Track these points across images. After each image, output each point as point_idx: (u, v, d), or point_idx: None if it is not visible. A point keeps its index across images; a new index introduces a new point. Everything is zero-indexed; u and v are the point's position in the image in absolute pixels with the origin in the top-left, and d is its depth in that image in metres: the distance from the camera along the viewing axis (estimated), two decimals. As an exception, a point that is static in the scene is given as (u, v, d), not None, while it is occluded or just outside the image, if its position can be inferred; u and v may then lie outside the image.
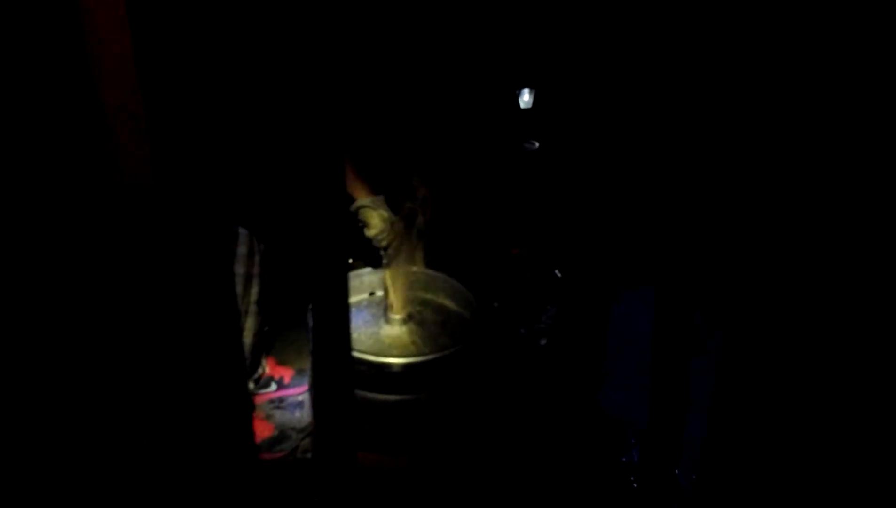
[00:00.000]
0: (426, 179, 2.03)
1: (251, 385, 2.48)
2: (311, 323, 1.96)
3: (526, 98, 2.89)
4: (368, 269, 2.21)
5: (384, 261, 2.16)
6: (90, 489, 1.13)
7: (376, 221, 2.14)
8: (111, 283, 0.99)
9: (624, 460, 2.19)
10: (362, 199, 2.19)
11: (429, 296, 2.17)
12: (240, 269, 2.27)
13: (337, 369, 1.08)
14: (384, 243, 2.15)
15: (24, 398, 1.03)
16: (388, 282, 2.04)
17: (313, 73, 0.95)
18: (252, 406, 1.24)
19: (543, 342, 2.41)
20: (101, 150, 0.87)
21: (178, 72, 0.86)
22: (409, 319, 2.06)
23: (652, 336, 1.96)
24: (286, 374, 2.61)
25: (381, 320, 2.07)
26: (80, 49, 0.81)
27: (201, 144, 0.93)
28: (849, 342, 1.35)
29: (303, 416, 2.46)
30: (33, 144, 0.89)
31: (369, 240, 2.19)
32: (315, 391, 1.16)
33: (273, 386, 2.56)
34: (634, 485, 2.11)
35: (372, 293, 2.15)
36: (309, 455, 2.29)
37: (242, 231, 2.28)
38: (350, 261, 2.16)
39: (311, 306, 1.99)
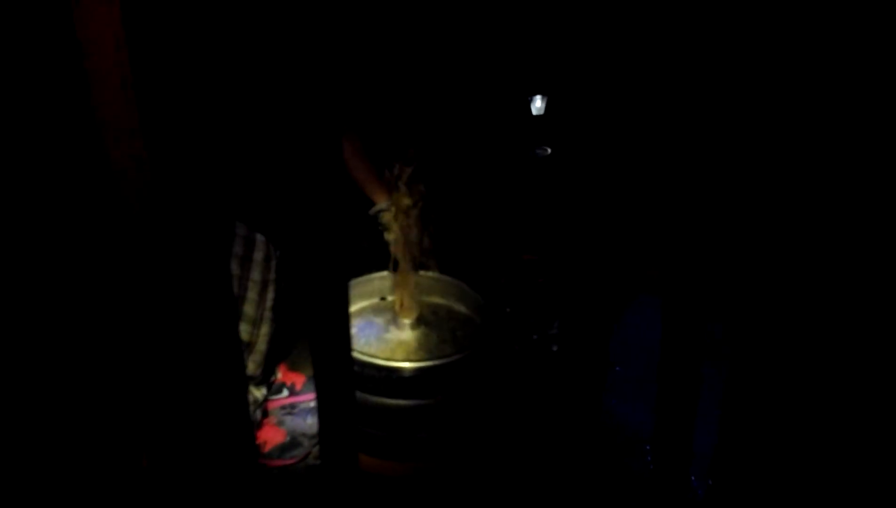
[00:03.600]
0: (425, 177, 2.03)
1: (264, 391, 2.49)
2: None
3: (538, 105, 2.89)
4: (380, 273, 2.21)
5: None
6: (90, 493, 1.13)
7: (395, 226, 2.14)
8: (109, 288, 0.99)
9: (636, 469, 2.17)
10: (382, 203, 2.19)
11: (440, 301, 2.17)
12: (256, 275, 2.28)
13: (337, 373, 1.07)
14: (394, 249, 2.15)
15: (24, 402, 1.03)
16: (398, 286, 2.04)
17: (325, 79, 0.96)
18: (248, 411, 1.23)
19: (555, 348, 2.39)
20: (98, 162, 0.87)
21: (176, 83, 0.86)
22: (419, 323, 2.06)
23: (661, 342, 1.94)
24: (298, 380, 2.61)
25: (392, 324, 2.06)
26: (78, 64, 0.81)
27: (199, 151, 0.93)
28: (856, 344, 1.33)
29: (314, 422, 2.46)
30: (33, 153, 0.90)
31: (387, 244, 2.19)
32: (318, 395, 1.16)
33: (285, 392, 2.56)
34: (649, 494, 2.08)
35: (383, 298, 2.15)
36: (320, 461, 2.29)
37: (260, 237, 2.29)
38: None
39: (306, 309, 1.99)
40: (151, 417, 1.10)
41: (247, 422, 1.17)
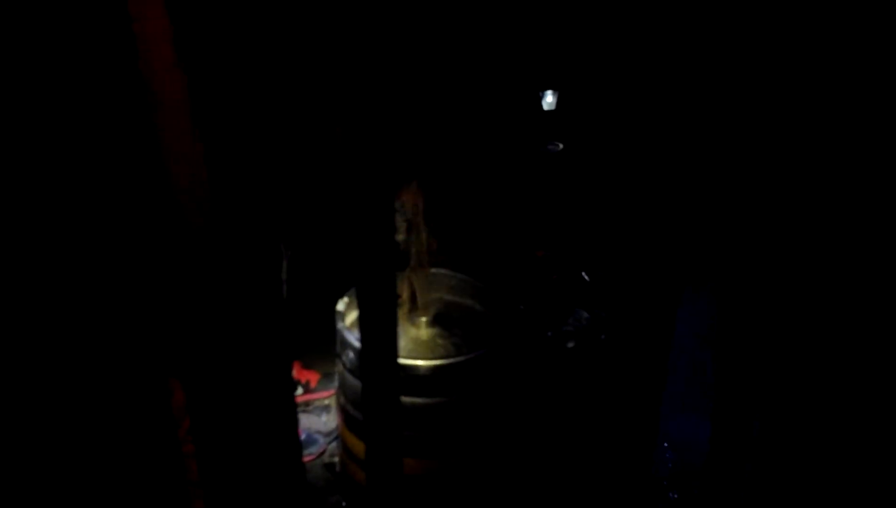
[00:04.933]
0: (423, 186, 2.02)
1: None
2: (339, 327, 1.97)
3: (549, 100, 2.88)
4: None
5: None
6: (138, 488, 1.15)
7: (403, 225, 2.14)
8: (170, 303, 1.02)
9: (655, 468, 2.16)
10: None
11: (454, 298, 2.16)
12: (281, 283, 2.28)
13: (383, 376, 1.08)
14: (404, 247, 2.15)
15: (82, 402, 1.05)
16: (411, 284, 2.04)
17: (348, 77, 0.96)
18: (297, 417, 1.25)
19: (570, 344, 2.38)
20: (163, 192, 0.91)
21: (231, 111, 0.89)
22: (433, 321, 2.06)
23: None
24: (312, 378, 2.62)
25: (406, 321, 2.06)
26: (148, 116, 0.85)
27: (254, 170, 0.96)
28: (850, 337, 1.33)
29: (329, 420, 2.47)
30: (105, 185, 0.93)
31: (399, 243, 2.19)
32: (364, 398, 1.17)
33: (300, 390, 2.57)
34: (672, 496, 2.07)
35: (398, 296, 2.15)
36: (336, 459, 2.29)
37: None
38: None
39: (340, 311, 2.00)
40: (204, 419, 1.11)
41: (294, 424, 1.19)
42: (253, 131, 0.93)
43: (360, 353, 1.15)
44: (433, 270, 2.06)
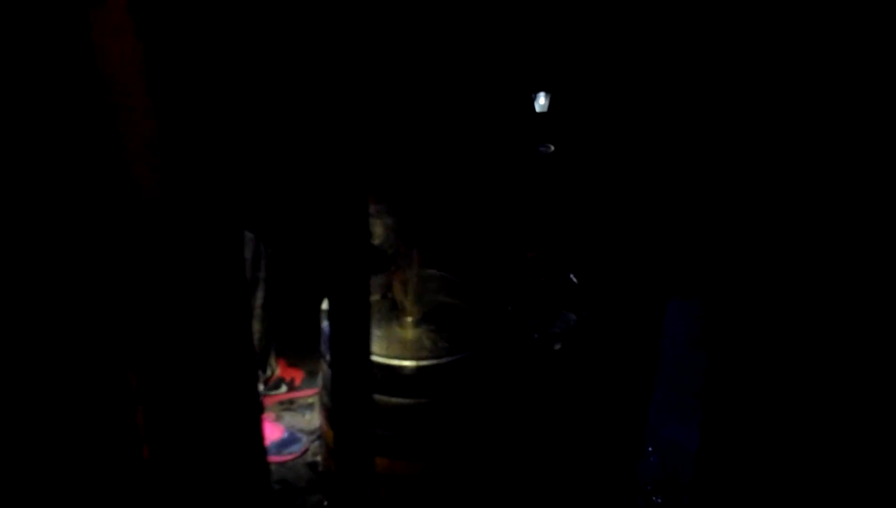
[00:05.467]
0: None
1: (260, 388, 2.47)
2: (323, 325, 1.95)
3: (541, 101, 2.87)
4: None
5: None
6: (95, 490, 1.12)
7: (379, 229, 2.12)
8: (122, 287, 0.98)
9: (641, 471, 2.16)
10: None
11: (442, 298, 2.15)
12: (245, 273, 2.27)
13: (355, 374, 1.06)
14: (390, 252, 2.13)
15: (32, 401, 1.02)
16: (399, 284, 2.02)
17: (330, 74, 0.94)
18: (261, 412, 1.23)
19: (557, 346, 2.38)
20: (117, 172, 0.88)
21: (189, 84, 0.86)
22: (421, 321, 2.04)
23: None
24: (297, 376, 2.60)
25: (394, 321, 2.05)
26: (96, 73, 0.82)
27: (212, 155, 0.92)
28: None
29: (313, 418, 2.44)
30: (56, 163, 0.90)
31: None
32: (334, 397, 1.14)
33: (283, 388, 2.55)
34: (656, 500, 2.07)
35: (384, 296, 2.13)
36: (318, 458, 2.27)
37: (248, 235, 2.27)
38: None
39: (325, 310, 1.98)
40: (159, 414, 1.08)
41: (258, 419, 1.16)
42: (212, 105, 0.90)
43: (331, 352, 1.13)
44: (422, 271, 2.05)
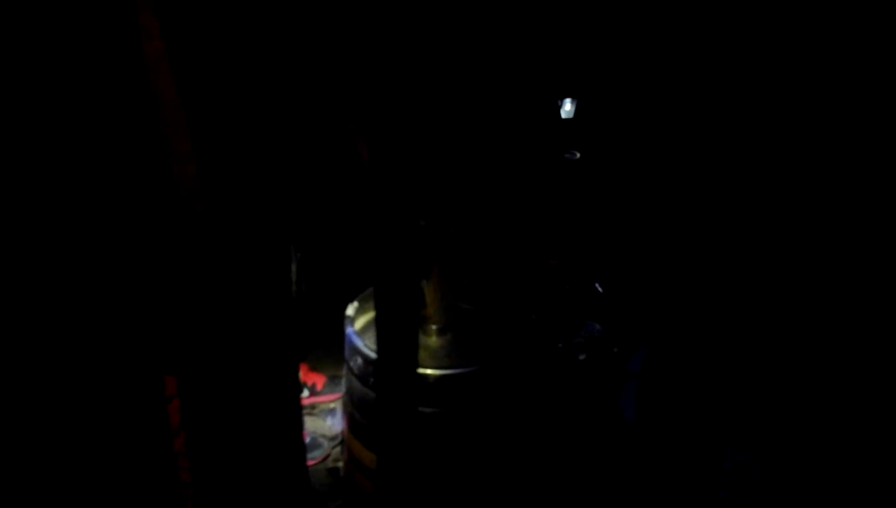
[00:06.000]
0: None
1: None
2: (347, 331, 1.94)
3: (567, 108, 2.85)
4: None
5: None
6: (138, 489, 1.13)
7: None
8: (167, 291, 0.99)
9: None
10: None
11: (466, 306, 2.13)
12: (290, 279, 2.27)
13: (401, 388, 1.05)
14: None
15: (88, 394, 1.03)
16: (427, 292, 2.00)
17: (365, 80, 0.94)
18: (301, 417, 1.23)
19: (582, 356, 2.35)
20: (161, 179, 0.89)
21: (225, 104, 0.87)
22: (445, 330, 2.02)
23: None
24: (318, 380, 2.60)
25: (419, 330, 2.03)
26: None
27: (250, 163, 0.93)
28: None
29: (334, 423, 2.44)
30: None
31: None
32: (379, 415, 1.14)
33: (305, 392, 2.55)
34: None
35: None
36: (339, 464, 2.27)
37: None
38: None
39: (349, 315, 1.97)
40: (197, 418, 1.09)
41: (299, 425, 1.16)
42: (245, 116, 0.90)
43: (375, 364, 1.12)
44: (446, 278, 2.03)
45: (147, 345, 1.04)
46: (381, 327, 1.07)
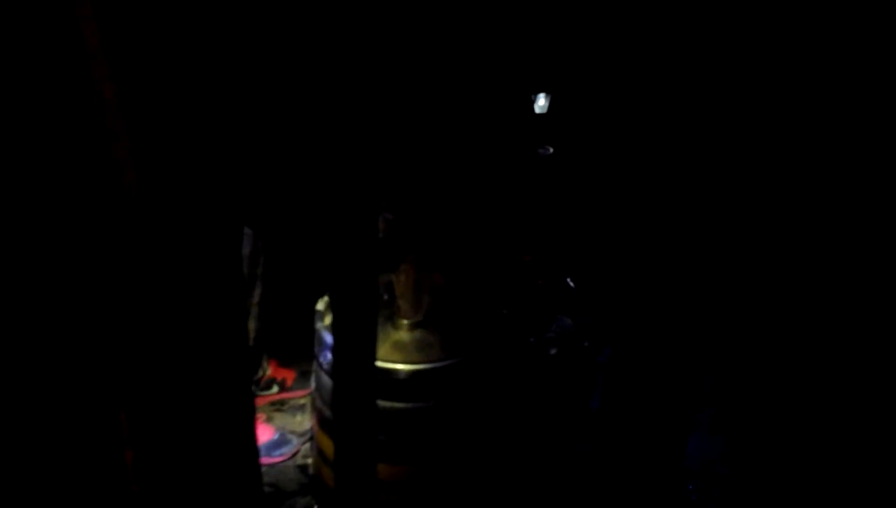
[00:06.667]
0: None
1: (252, 388, 2.43)
2: (317, 326, 1.91)
3: (541, 102, 2.84)
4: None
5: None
6: (86, 491, 1.09)
7: (381, 225, 2.09)
8: (111, 286, 0.95)
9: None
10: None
11: (438, 301, 2.12)
12: (243, 270, 2.23)
13: (359, 383, 1.03)
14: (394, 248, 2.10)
15: (24, 400, 0.99)
16: (397, 286, 1.99)
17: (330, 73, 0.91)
18: (254, 412, 1.19)
19: (553, 351, 2.35)
20: (97, 161, 0.84)
21: (167, 76, 0.83)
22: (417, 324, 2.01)
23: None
24: (288, 376, 2.57)
25: (389, 324, 2.01)
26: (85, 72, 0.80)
27: (194, 149, 0.88)
28: None
29: (304, 420, 2.41)
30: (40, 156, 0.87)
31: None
32: (335, 405, 1.11)
33: (275, 388, 2.52)
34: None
35: (383, 296, 2.10)
36: (309, 461, 2.24)
37: (247, 232, 2.24)
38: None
39: (319, 309, 1.94)
40: (148, 413, 1.05)
41: (251, 420, 1.13)
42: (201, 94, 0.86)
43: (334, 355, 1.09)
44: (424, 273, 2.01)
45: (90, 348, 1.00)
46: (337, 319, 1.05)
